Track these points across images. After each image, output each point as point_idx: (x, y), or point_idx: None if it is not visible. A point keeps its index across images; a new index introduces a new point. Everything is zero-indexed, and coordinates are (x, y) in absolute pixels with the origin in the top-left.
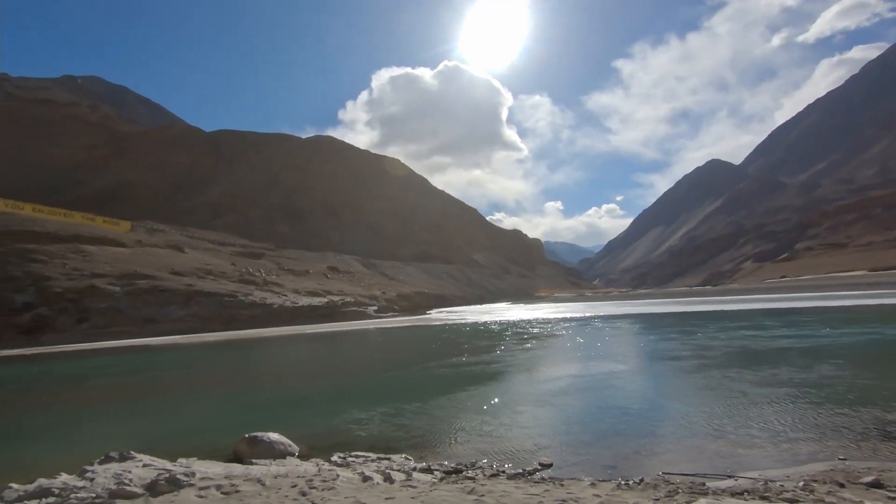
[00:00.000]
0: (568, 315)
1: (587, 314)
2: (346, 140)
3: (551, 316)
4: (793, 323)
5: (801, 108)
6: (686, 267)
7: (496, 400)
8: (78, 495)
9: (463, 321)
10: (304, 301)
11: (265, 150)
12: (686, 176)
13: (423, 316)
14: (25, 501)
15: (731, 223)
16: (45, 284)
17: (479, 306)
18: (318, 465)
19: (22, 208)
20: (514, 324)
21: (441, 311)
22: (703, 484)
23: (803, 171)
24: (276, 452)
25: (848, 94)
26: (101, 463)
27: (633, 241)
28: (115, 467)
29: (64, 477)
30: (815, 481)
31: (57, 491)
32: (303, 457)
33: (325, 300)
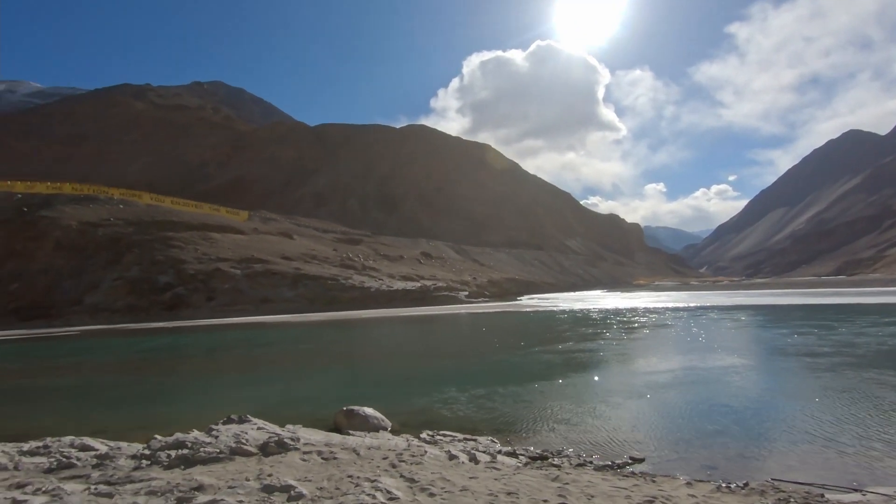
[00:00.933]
0: (670, 305)
1: (692, 304)
2: (438, 128)
3: (651, 305)
4: None
5: None
6: (813, 254)
7: (590, 389)
8: (206, 449)
9: (555, 308)
10: (399, 285)
11: (362, 141)
12: (815, 150)
13: (513, 302)
14: (167, 451)
15: (874, 203)
16: (181, 267)
17: (571, 293)
18: (407, 440)
19: (163, 201)
20: (610, 312)
21: (532, 298)
22: (822, 495)
23: None
24: (370, 425)
25: None
26: (224, 423)
27: (748, 225)
28: (234, 428)
29: (195, 433)
30: None
31: (190, 444)
32: (394, 432)
33: (419, 284)
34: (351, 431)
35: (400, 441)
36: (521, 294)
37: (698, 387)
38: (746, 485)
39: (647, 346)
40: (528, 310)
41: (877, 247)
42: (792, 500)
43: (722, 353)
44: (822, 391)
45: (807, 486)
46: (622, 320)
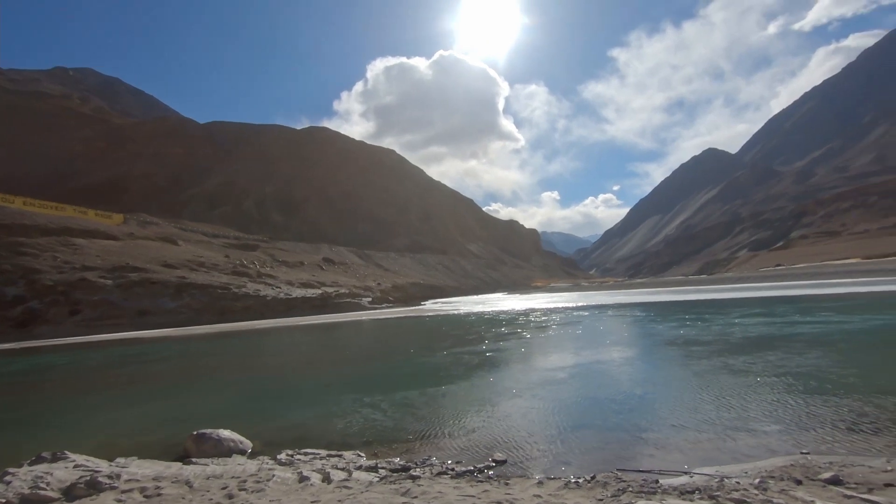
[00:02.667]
0: (561, 305)
1: (580, 304)
2: (342, 131)
3: (545, 306)
4: (784, 312)
5: (797, 97)
6: (682, 256)
7: (478, 391)
8: None
9: (456, 311)
10: (298, 293)
11: (260, 142)
12: (682, 165)
13: (417, 307)
14: None
15: (727, 212)
16: (34, 277)
17: (473, 297)
18: (260, 463)
19: (12, 201)
20: (507, 314)
21: (436, 302)
22: (657, 481)
23: (799, 159)
24: (223, 449)
25: (844, 83)
26: (31, 463)
27: (630, 230)
28: (40, 469)
29: None
30: (772, 477)
31: None
32: (254, 454)
33: (319, 291)
34: (197, 459)
35: (251, 465)
36: (426, 298)
37: (576, 381)
38: (593, 478)
39: (539, 346)
40: (430, 314)
41: (730, 249)
42: (630, 488)
43: (592, 349)
44: (678, 380)
45: (646, 474)
46: (518, 321)
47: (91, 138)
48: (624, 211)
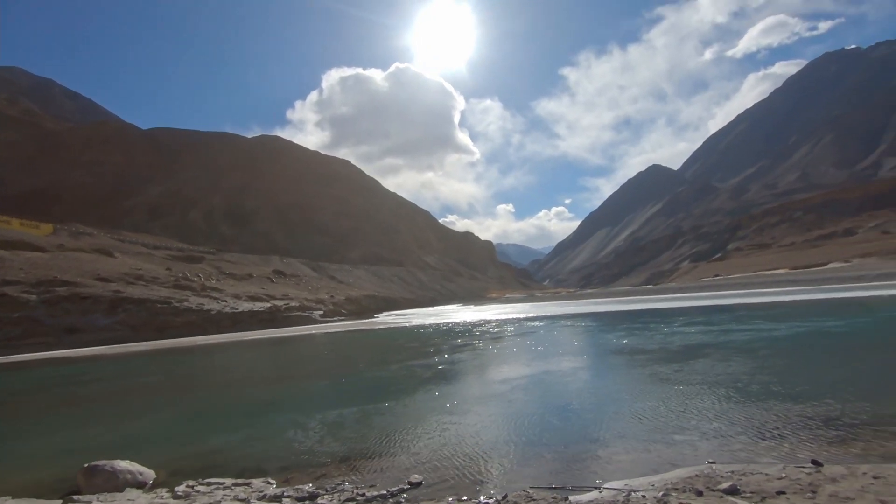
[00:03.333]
0: (512, 316)
1: (532, 315)
2: (295, 141)
3: (496, 317)
4: (720, 320)
5: (731, 118)
6: (630, 267)
7: (411, 409)
8: None
9: (408, 324)
10: (245, 306)
11: (208, 150)
12: (629, 180)
13: (369, 320)
14: None
15: (671, 225)
16: None
17: (428, 309)
18: (152, 498)
19: None
20: (459, 326)
21: (389, 315)
22: (566, 499)
23: (734, 176)
24: (116, 483)
25: (772, 106)
26: None
27: (581, 242)
28: None
29: None
30: (676, 489)
31: None
32: (155, 485)
33: (268, 305)
34: (81, 497)
35: (143, 500)
36: (381, 311)
37: (515, 395)
38: (505, 497)
39: (487, 358)
40: (381, 327)
41: (674, 260)
42: None
43: (549, 360)
44: (617, 392)
45: (556, 491)
46: (470, 333)
47: (19, 143)
48: (575, 223)
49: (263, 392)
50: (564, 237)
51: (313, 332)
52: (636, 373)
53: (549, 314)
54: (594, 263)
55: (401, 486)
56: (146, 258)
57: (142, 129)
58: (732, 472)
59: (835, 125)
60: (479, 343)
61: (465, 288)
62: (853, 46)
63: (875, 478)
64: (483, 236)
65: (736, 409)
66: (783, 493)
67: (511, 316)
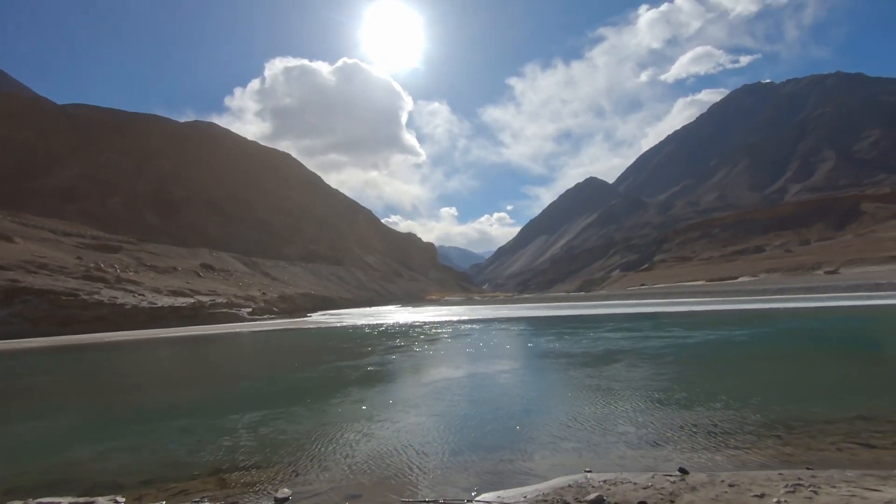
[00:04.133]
0: (450, 318)
1: (468, 318)
2: (233, 129)
3: (433, 319)
4: (643, 327)
5: (661, 138)
6: (565, 274)
7: (313, 416)
8: None
9: (340, 324)
10: (166, 301)
11: (134, 132)
12: (567, 191)
13: (301, 319)
14: None
15: (604, 236)
16: None
17: (365, 309)
18: None
19: None
20: (391, 328)
21: (324, 314)
22: None
23: (662, 192)
24: None
25: (697, 130)
26: None
27: (520, 248)
28: None
29: None
30: (546, 501)
31: None
32: None
33: (192, 301)
34: None
35: None
36: (316, 310)
37: (424, 401)
38: None
39: (411, 362)
40: (313, 327)
41: (605, 269)
42: None
43: (474, 364)
44: (525, 397)
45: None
46: (396, 336)
47: None
48: (516, 230)
49: (166, 395)
50: (505, 242)
51: (239, 330)
52: (553, 378)
53: (485, 317)
54: (531, 269)
55: (265, 501)
56: (53, 245)
57: (57, 105)
58: (605, 481)
59: (749, 152)
60: (410, 346)
61: (404, 289)
62: (767, 81)
63: (731, 486)
64: (426, 238)
65: (628, 416)
66: (644, 503)
67: (448, 318)
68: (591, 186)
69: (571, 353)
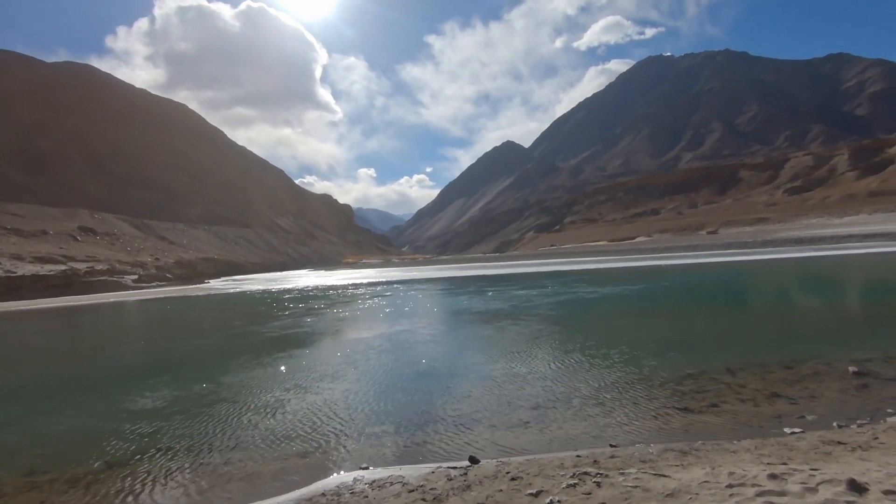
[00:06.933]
0: (358, 281)
1: (380, 279)
2: (117, 74)
3: (342, 282)
4: (551, 284)
5: (573, 105)
6: (483, 236)
7: (173, 395)
8: None
9: (242, 290)
10: (28, 269)
11: None
12: (486, 154)
13: (199, 285)
14: None
15: (519, 198)
16: None
17: (276, 274)
18: None
19: None
20: (298, 292)
21: (226, 280)
22: None
23: (573, 157)
24: None
25: (606, 98)
26: None
27: (439, 210)
28: None
29: None
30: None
31: None
32: None
33: (63, 268)
34: None
35: None
36: (220, 275)
37: (305, 375)
38: None
39: (295, 330)
40: (208, 293)
41: (520, 231)
42: None
43: (375, 326)
44: (415, 370)
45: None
46: (299, 300)
47: None
48: (436, 192)
49: (18, 376)
50: (424, 205)
51: (125, 299)
52: (446, 340)
53: (400, 279)
54: (451, 231)
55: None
56: None
57: None
58: (373, 482)
59: (650, 121)
60: (307, 310)
61: (319, 253)
62: (668, 54)
63: (512, 479)
64: (343, 200)
65: (516, 392)
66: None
67: (356, 280)
68: (509, 150)
69: (477, 310)
